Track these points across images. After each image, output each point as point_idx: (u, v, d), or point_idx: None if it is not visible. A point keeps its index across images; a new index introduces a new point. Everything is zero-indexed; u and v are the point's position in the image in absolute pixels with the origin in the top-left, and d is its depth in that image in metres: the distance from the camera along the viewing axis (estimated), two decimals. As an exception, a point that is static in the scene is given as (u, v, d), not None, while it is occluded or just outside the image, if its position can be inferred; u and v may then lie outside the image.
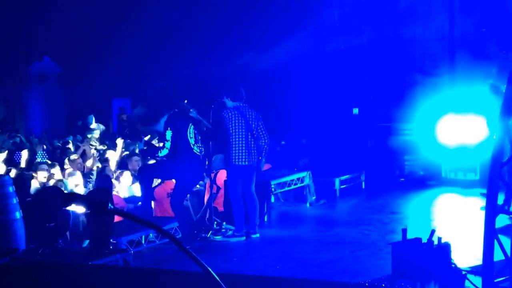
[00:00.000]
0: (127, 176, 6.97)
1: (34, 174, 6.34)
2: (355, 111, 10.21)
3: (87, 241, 4.98)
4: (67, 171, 6.92)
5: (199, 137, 6.13)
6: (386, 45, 10.17)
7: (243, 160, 6.11)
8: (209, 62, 12.09)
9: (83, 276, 2.24)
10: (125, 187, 6.91)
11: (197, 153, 6.03)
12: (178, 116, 6.05)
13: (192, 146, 6.00)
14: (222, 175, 6.94)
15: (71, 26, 11.61)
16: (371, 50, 10.38)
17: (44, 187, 6.02)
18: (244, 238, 6.20)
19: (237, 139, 6.10)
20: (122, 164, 7.67)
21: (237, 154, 6.10)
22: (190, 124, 6.03)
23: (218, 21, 12.08)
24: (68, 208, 1.57)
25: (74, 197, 1.58)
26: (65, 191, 5.54)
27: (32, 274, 2.22)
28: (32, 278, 2.16)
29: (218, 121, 6.25)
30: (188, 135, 6.00)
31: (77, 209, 1.60)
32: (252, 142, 6.18)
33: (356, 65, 10.31)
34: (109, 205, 1.60)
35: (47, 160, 7.46)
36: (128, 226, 5.45)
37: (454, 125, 8.96)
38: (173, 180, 6.23)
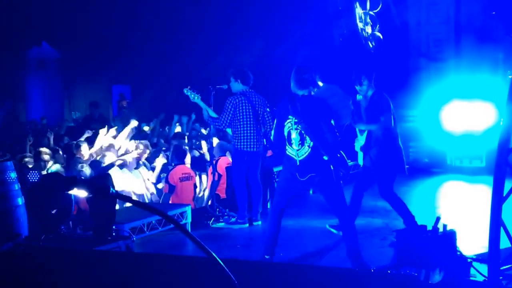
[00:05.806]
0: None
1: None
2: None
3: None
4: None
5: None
6: (390, 29, 10.03)
7: (252, 146, 6.09)
8: (210, 49, 11.98)
9: (86, 261, 2.21)
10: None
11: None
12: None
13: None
14: (223, 162, 6.90)
15: (69, 11, 11.49)
16: (375, 35, 10.24)
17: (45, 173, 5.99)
18: (247, 225, 6.18)
19: (245, 125, 6.06)
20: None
21: (245, 140, 6.07)
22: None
23: (220, 9, 11.96)
24: (70, 192, 1.53)
25: (76, 181, 1.54)
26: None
27: (35, 260, 2.19)
28: (35, 264, 2.13)
29: (221, 106, 6.20)
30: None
31: (79, 193, 1.55)
32: (259, 128, 6.15)
33: (359, 50, 10.18)
34: (111, 189, 1.56)
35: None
36: (130, 213, 5.42)
37: (459, 111, 8.86)
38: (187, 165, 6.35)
